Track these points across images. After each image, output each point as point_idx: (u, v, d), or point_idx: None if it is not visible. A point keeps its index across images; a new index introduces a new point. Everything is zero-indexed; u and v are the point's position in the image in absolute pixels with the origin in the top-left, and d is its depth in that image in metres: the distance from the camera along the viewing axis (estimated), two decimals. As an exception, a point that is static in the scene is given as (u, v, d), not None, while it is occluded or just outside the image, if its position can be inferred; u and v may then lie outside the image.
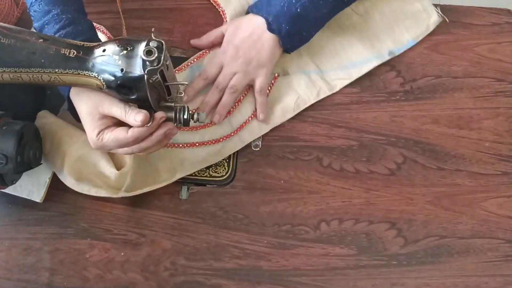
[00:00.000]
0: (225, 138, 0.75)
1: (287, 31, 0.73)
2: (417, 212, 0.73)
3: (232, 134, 0.75)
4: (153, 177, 0.72)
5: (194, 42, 0.80)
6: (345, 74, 0.78)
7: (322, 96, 0.77)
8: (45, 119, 0.72)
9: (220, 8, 0.81)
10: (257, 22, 0.74)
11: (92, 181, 0.70)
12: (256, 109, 0.76)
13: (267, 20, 0.73)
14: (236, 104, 0.76)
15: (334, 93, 0.78)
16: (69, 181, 0.70)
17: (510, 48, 0.81)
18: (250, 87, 0.77)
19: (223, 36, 0.78)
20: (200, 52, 0.79)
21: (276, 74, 0.78)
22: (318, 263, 0.71)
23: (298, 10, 0.71)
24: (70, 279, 0.70)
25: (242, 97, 0.77)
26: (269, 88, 0.77)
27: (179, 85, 0.66)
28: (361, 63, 0.78)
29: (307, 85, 0.77)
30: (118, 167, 0.70)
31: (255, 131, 0.76)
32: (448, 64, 0.80)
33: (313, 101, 0.77)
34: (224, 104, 0.75)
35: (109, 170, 0.69)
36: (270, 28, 0.73)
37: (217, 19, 0.81)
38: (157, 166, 0.73)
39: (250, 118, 0.76)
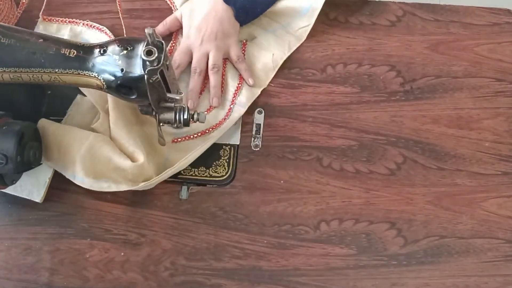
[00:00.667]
0: (227, 114, 0.76)
1: (241, 5, 0.75)
2: (417, 212, 0.73)
3: (231, 106, 0.76)
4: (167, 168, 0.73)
5: (158, 28, 0.80)
6: (304, 21, 0.81)
7: (293, 48, 0.80)
8: (47, 129, 0.71)
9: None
10: None
11: (111, 177, 0.70)
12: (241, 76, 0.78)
13: None
14: (222, 81, 0.78)
15: (334, 93, 0.78)
16: (87, 183, 0.69)
17: (510, 48, 0.81)
18: (224, 60, 0.78)
19: (177, 21, 0.79)
20: (171, 42, 0.81)
21: (244, 41, 0.80)
22: (318, 263, 0.71)
23: None
24: (70, 279, 0.70)
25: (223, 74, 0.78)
26: (243, 54, 0.79)
27: (179, 85, 0.66)
28: (310, 4, 0.81)
29: (276, 42, 0.80)
30: (132, 160, 0.71)
31: (249, 94, 0.77)
32: (448, 64, 0.80)
33: (287, 54, 0.80)
34: (215, 85, 0.76)
35: (123, 162, 0.69)
36: (226, 0, 0.75)
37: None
38: (173, 159, 0.74)
39: (239, 86, 0.77)
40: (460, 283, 0.70)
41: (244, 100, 0.76)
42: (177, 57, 0.77)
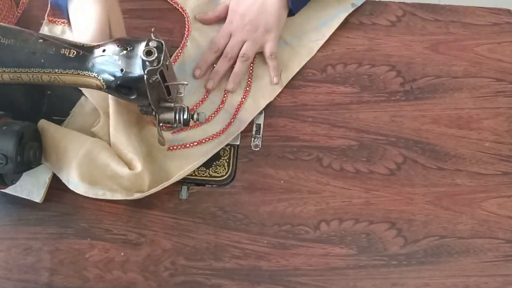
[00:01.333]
0: (227, 127, 0.75)
1: None
2: (417, 212, 0.73)
3: (232, 120, 0.76)
4: (165, 178, 0.72)
5: (200, 16, 0.80)
6: (318, 35, 0.80)
7: (302, 63, 0.79)
8: (46, 130, 0.71)
9: (179, 6, 0.82)
10: None
11: (107, 185, 0.69)
12: (247, 88, 0.78)
13: None
14: (226, 91, 0.77)
15: (334, 93, 0.78)
16: (81, 188, 0.68)
17: (510, 48, 0.81)
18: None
19: (226, 8, 0.79)
20: (178, 49, 0.80)
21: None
22: (318, 263, 0.71)
23: None
24: (70, 279, 0.70)
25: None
26: (251, 67, 0.79)
27: (179, 85, 0.66)
28: (330, 19, 0.80)
29: (289, 55, 0.79)
30: (129, 168, 0.70)
31: (253, 109, 0.77)
32: (448, 64, 0.80)
33: (296, 70, 0.79)
34: (237, 72, 0.76)
35: (121, 170, 0.68)
36: None
37: (217, 19, 0.81)
38: (168, 168, 0.73)
39: (243, 99, 0.77)
40: (460, 283, 0.70)
41: (247, 116, 0.76)
42: (217, 41, 0.77)
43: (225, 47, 0.77)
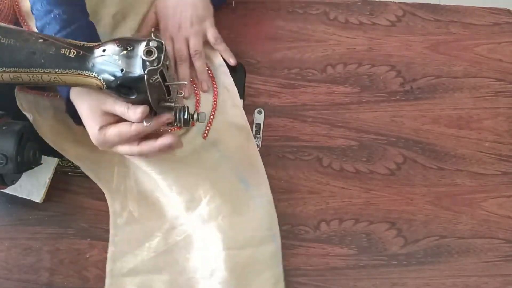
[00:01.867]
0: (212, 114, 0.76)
1: None
2: (417, 212, 0.73)
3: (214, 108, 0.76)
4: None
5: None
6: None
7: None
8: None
9: None
10: None
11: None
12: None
13: None
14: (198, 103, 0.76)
15: (334, 93, 0.78)
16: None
17: (510, 48, 0.81)
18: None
19: (154, 16, 0.78)
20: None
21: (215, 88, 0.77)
22: (318, 263, 0.71)
23: None
24: (70, 279, 0.70)
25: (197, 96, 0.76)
26: (213, 108, 0.77)
27: (179, 85, 0.66)
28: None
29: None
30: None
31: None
32: (448, 64, 0.80)
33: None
34: (201, 70, 0.76)
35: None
36: None
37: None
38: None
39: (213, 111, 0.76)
40: (460, 283, 0.70)
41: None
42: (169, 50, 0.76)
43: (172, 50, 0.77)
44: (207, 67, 0.78)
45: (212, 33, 0.77)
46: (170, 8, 0.76)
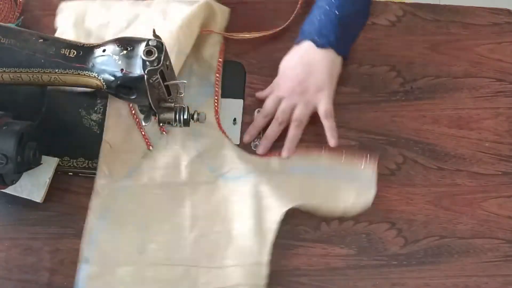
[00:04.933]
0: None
1: (336, 38, 0.71)
2: (417, 212, 0.73)
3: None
4: None
5: (259, 95, 0.77)
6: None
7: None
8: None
9: None
10: (304, 46, 0.73)
11: None
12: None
13: (313, 39, 0.71)
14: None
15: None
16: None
17: (510, 48, 0.81)
18: None
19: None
20: None
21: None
22: (319, 263, 0.71)
23: (337, 12, 0.70)
24: (70, 279, 0.70)
25: None
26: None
27: (179, 85, 0.66)
28: None
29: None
30: None
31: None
32: (448, 64, 0.80)
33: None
34: (291, 139, 0.73)
35: None
36: (319, 45, 0.71)
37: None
38: None
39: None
40: (460, 283, 0.70)
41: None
42: (267, 106, 0.74)
43: (275, 112, 0.74)
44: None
45: (324, 106, 0.72)
46: (290, 68, 0.73)
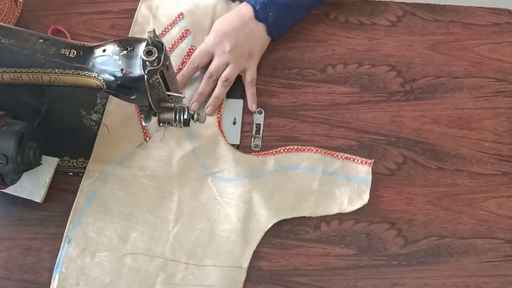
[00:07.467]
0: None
1: (273, 20, 0.74)
2: (417, 212, 0.73)
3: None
4: None
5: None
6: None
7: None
8: None
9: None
10: (244, 10, 0.75)
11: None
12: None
13: (254, 8, 0.74)
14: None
15: (334, 93, 0.78)
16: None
17: (510, 48, 0.81)
18: None
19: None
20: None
21: None
22: (318, 263, 0.71)
23: (287, 1, 0.73)
24: (70, 279, 0.70)
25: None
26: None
27: (179, 85, 0.66)
28: None
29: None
30: None
31: None
32: (448, 64, 0.80)
33: None
34: (218, 96, 0.75)
35: None
36: (257, 17, 0.74)
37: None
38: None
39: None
40: (460, 283, 0.70)
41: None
42: (198, 58, 0.75)
43: (205, 65, 0.76)
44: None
45: (251, 74, 0.76)
46: (229, 27, 0.75)
